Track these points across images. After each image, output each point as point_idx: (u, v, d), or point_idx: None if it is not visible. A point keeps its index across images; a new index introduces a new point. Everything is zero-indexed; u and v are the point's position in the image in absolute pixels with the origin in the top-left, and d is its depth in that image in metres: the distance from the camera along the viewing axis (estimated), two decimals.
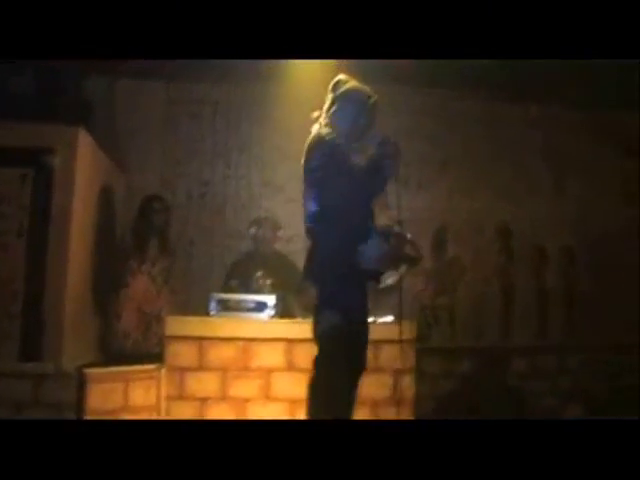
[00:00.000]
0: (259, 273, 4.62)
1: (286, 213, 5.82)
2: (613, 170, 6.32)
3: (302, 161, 3.13)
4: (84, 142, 4.34)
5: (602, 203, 6.25)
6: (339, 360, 2.96)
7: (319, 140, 3.11)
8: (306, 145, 3.14)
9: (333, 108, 3.21)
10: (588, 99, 5.77)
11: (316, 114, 4.46)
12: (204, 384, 4.05)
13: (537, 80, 5.48)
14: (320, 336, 3.05)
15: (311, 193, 3.10)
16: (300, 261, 5.37)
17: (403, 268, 3.90)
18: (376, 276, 3.20)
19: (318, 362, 3.04)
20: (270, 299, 4.23)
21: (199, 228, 5.75)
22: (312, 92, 4.97)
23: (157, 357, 4.18)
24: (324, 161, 3.05)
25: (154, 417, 4.08)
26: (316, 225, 3.11)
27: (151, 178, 5.61)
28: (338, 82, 3.26)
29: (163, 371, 4.10)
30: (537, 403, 5.01)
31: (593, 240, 6.17)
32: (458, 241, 6.03)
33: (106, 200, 4.93)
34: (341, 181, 3.04)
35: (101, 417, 3.83)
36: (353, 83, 3.26)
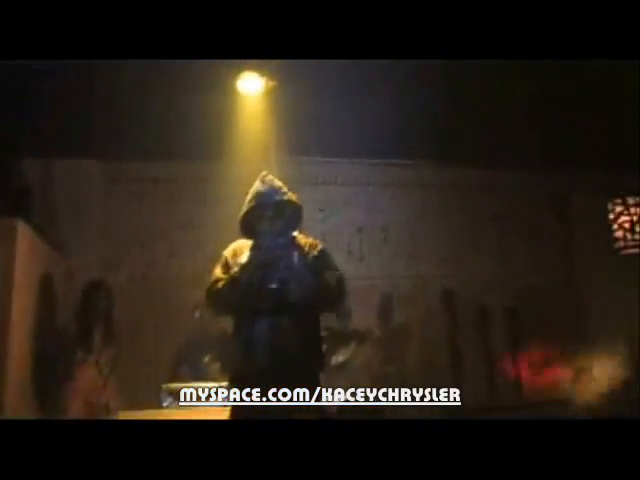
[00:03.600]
0: (207, 357, 4.53)
1: None
2: (551, 232, 6.53)
3: None
4: (23, 233, 4.25)
5: (541, 263, 6.42)
6: None
7: None
8: None
9: None
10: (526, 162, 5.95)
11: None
12: None
13: (480, 144, 5.60)
14: None
15: None
16: None
17: (353, 345, 3.86)
18: None
19: None
20: (222, 385, 4.12)
21: (143, 310, 5.59)
22: (251, 169, 5.02)
23: None
24: None
25: None
26: None
27: (91, 260, 5.46)
28: None
29: None
30: None
31: (534, 299, 6.30)
32: (404, 307, 6.04)
33: (46, 288, 4.78)
34: None
35: None
36: None
